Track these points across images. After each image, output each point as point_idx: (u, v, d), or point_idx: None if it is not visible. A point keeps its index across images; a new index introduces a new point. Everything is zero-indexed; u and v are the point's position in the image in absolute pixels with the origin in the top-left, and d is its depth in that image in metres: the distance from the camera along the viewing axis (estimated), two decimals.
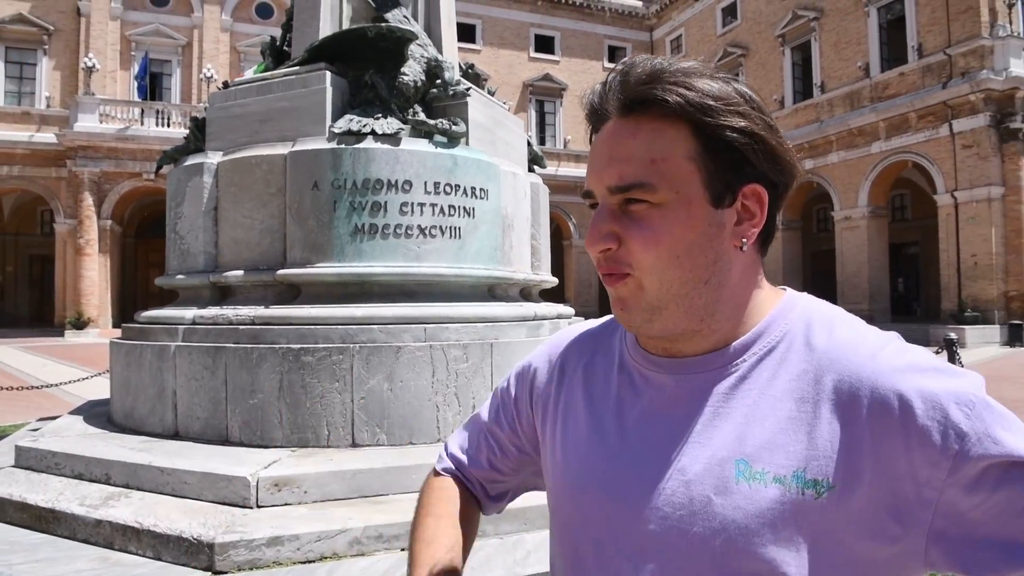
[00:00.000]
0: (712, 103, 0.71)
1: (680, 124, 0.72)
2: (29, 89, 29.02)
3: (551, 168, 30.57)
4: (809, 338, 0.75)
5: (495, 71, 32.03)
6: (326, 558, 3.14)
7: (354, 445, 4.04)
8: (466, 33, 31.97)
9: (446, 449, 1.08)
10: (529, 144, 6.05)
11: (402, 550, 3.22)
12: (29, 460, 4.20)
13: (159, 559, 3.17)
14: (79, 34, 29.03)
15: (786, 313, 0.78)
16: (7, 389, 8.27)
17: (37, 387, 9.08)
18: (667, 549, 0.73)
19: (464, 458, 1.04)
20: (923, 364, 0.69)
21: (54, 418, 5.75)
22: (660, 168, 0.72)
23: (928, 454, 0.65)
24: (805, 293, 0.83)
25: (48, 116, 28.15)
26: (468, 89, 4.92)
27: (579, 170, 32.53)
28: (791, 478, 0.69)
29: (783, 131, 0.76)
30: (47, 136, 27.40)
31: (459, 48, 5.98)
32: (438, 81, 4.76)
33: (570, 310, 5.81)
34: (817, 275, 27.79)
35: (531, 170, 6.06)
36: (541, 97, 35.16)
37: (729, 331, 0.77)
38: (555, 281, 6.05)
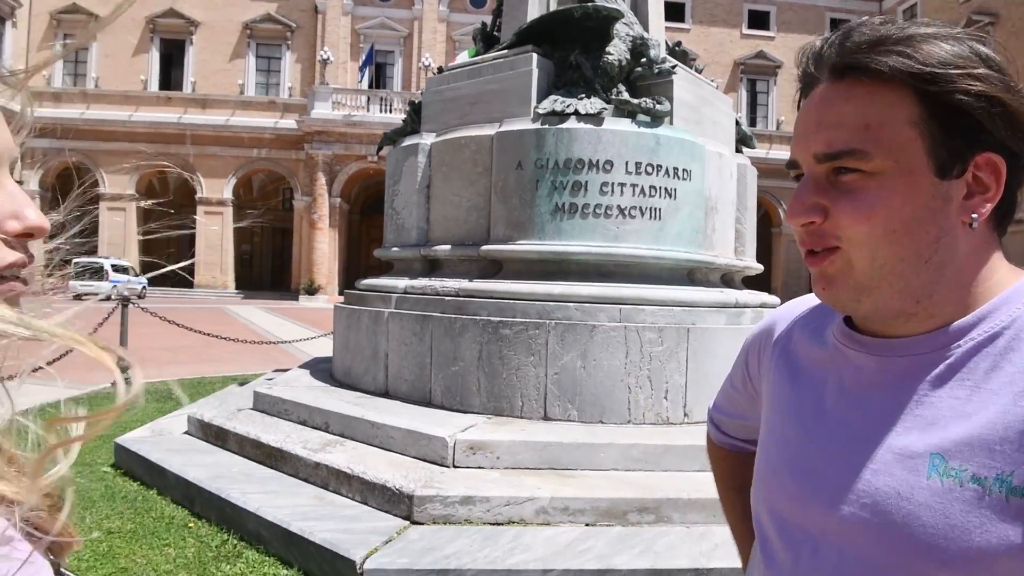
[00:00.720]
0: (940, 70, 0.64)
1: (901, 87, 0.65)
2: (275, 81, 32.78)
3: (761, 151, 28.97)
4: None
5: (704, 50, 30.89)
6: (513, 523, 3.27)
7: (546, 418, 4.15)
8: (674, 11, 31.12)
9: (710, 413, 1.12)
10: (737, 123, 5.78)
11: (587, 525, 3.27)
12: (264, 404, 4.79)
13: (365, 504, 3.48)
14: (316, 29, 32.17)
15: (1020, 296, 0.68)
16: (251, 343, 9.46)
17: (274, 343, 10.31)
18: (849, 537, 0.68)
19: (724, 417, 1.08)
20: None
21: (286, 370, 6.50)
22: (876, 134, 0.65)
23: None
24: None
25: (290, 104, 31.61)
26: (674, 67, 4.79)
27: None
28: (993, 481, 0.60)
29: None
30: (289, 122, 30.81)
31: (667, 27, 5.83)
32: (643, 59, 4.69)
33: (775, 299, 5.50)
34: None
35: (739, 151, 5.79)
36: (753, 76, 33.42)
37: (949, 315, 0.69)
38: (760, 268, 5.75)
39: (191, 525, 3.65)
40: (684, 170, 4.64)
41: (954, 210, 0.66)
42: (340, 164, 30.29)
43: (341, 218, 31.16)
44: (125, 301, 8.30)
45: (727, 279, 5.29)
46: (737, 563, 3.32)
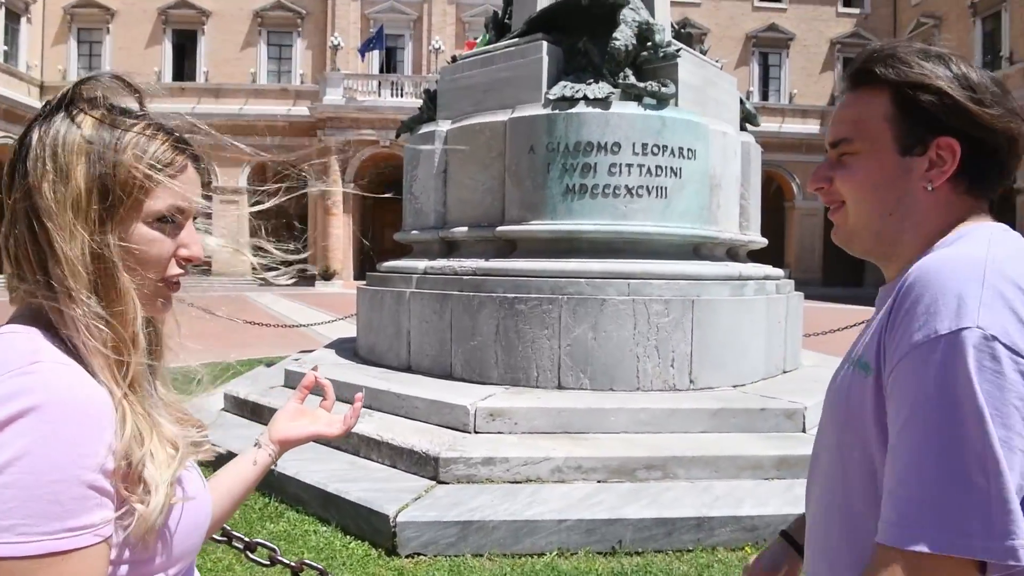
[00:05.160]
0: (914, 77, 0.89)
1: (884, 92, 0.91)
2: (286, 68, 32.91)
3: (774, 124, 28.58)
4: None
5: (715, 24, 30.70)
6: (531, 481, 3.54)
7: (560, 387, 4.41)
8: None
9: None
10: (742, 102, 5.96)
11: (598, 481, 3.54)
12: (294, 381, 5.07)
13: (394, 467, 3.77)
14: (326, 16, 32.25)
15: (942, 244, 0.90)
16: (272, 326, 9.78)
17: (294, 326, 10.63)
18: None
19: None
20: None
21: (311, 351, 6.79)
22: (859, 127, 0.94)
23: None
24: (995, 225, 0.92)
25: (302, 91, 31.77)
26: (678, 50, 4.99)
27: (805, 126, 30.29)
28: (856, 361, 0.93)
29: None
30: (301, 110, 30.99)
31: (677, 2, 5.98)
32: (648, 44, 4.89)
33: (779, 271, 5.72)
34: None
35: (744, 128, 5.98)
36: (765, 49, 33.12)
37: (912, 258, 0.92)
38: (764, 242, 5.96)
39: None
40: (689, 149, 4.86)
41: (915, 178, 0.91)
42: (353, 150, 30.51)
43: (355, 204, 31.44)
44: None
45: (732, 253, 5.50)
46: (737, 511, 3.61)
